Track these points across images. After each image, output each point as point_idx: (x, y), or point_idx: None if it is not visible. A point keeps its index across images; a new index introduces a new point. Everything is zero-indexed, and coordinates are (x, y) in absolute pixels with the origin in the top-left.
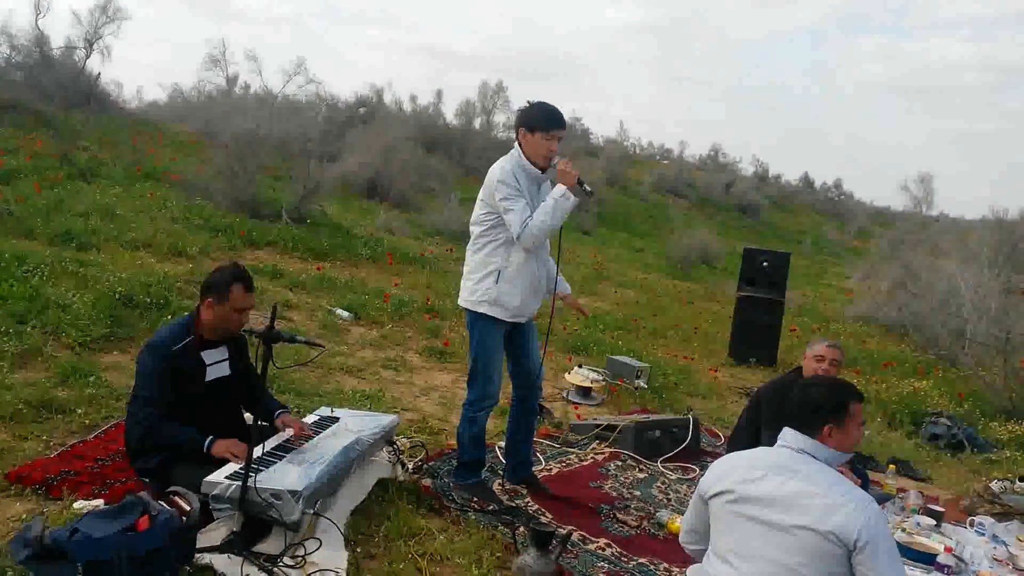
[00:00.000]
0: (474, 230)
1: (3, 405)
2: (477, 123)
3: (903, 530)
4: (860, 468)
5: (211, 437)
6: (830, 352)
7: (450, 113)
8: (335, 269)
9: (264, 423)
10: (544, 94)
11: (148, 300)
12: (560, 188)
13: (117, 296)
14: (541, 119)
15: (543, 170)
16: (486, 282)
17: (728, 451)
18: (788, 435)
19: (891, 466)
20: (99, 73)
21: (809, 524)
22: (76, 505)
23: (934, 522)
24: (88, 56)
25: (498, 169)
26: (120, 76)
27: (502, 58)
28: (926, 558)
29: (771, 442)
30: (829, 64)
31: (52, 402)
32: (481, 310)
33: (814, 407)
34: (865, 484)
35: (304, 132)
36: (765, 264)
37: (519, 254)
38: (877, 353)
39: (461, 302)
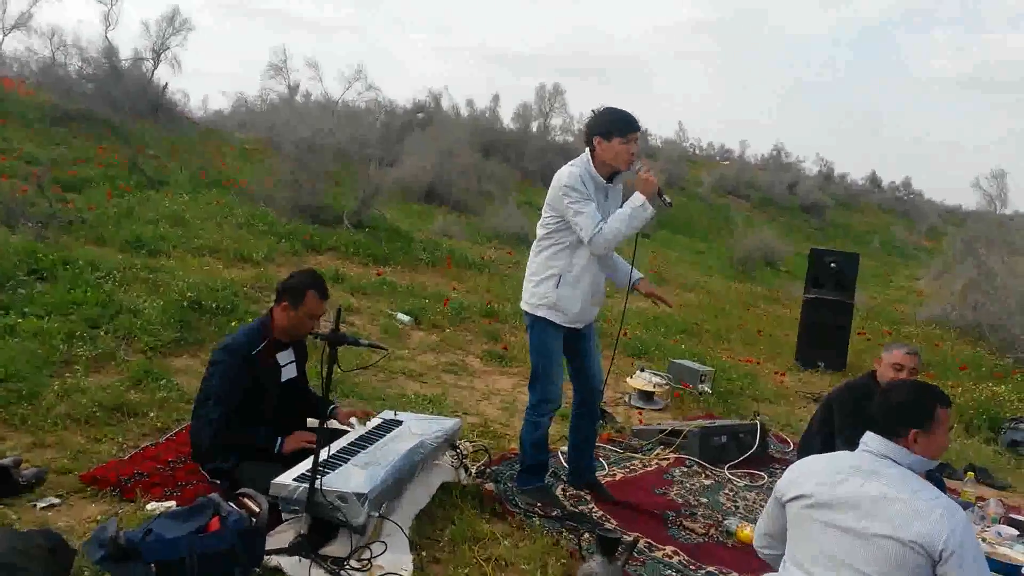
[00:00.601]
0: (539, 233)
1: (78, 408)
2: (534, 126)
3: (984, 540)
4: (936, 475)
5: (280, 438)
6: (909, 360)
7: (507, 117)
8: (395, 274)
9: (323, 422)
10: (602, 95)
11: (215, 305)
12: (639, 197)
13: (186, 302)
14: (618, 124)
15: (612, 176)
16: (546, 285)
17: (799, 457)
18: (870, 439)
19: (969, 473)
20: (166, 83)
21: (891, 533)
22: (149, 507)
23: (1016, 532)
24: (156, 67)
25: (566, 174)
26: (187, 86)
27: (559, 60)
28: (1009, 569)
29: (846, 447)
30: (896, 59)
31: (125, 405)
32: (540, 313)
33: (899, 411)
34: (942, 492)
35: (363, 138)
36: (833, 265)
37: (581, 259)
38: (952, 356)
39: (522, 305)
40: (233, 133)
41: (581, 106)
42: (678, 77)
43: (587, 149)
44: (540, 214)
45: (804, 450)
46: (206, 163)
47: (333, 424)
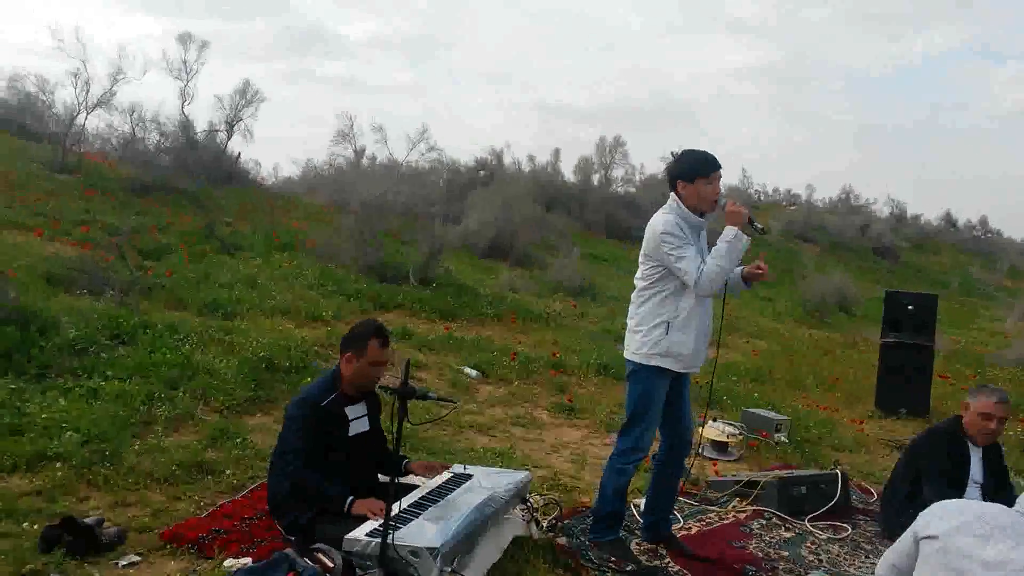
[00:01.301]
0: (638, 284)
1: (158, 467)
2: (595, 179)
3: None
4: None
5: (351, 498)
6: (999, 409)
7: (568, 170)
8: (461, 328)
9: (396, 477)
10: (663, 144)
11: (288, 364)
12: (731, 230)
13: (260, 361)
14: (700, 165)
15: (702, 215)
16: (656, 333)
17: (882, 507)
18: None
19: None
20: (239, 153)
21: None
22: (226, 563)
23: None
24: (229, 137)
25: (660, 221)
26: (258, 154)
27: (618, 110)
28: None
29: (934, 497)
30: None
31: (203, 464)
32: (653, 363)
33: None
34: None
35: (428, 196)
36: (911, 307)
37: (688, 304)
38: None
39: (628, 355)
40: (301, 197)
41: (642, 156)
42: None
43: (672, 194)
44: (607, 264)
45: (888, 500)
46: (276, 226)
47: (409, 479)
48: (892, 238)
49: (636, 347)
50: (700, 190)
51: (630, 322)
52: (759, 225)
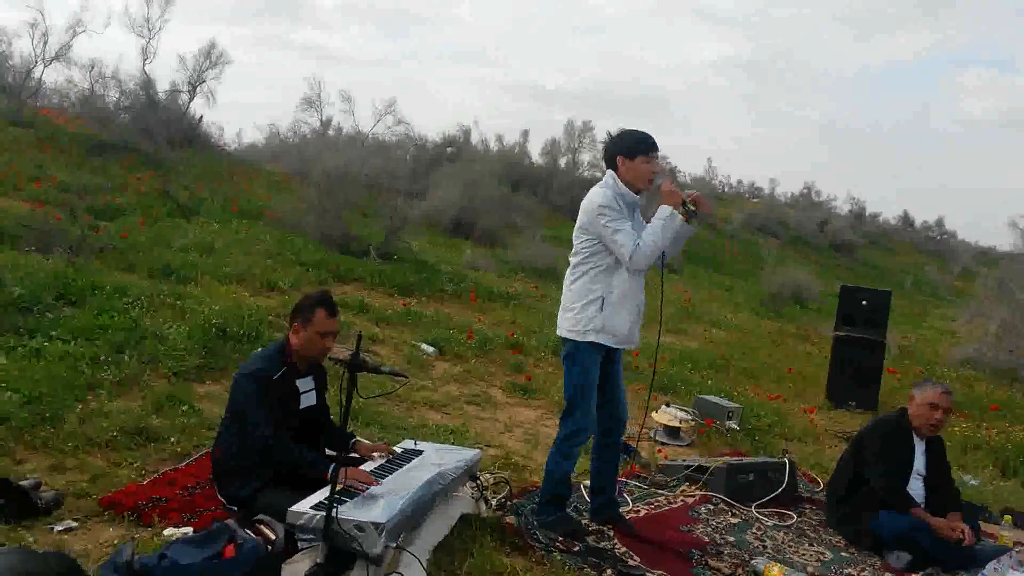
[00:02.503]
0: (573, 260)
1: (100, 432)
2: (563, 162)
3: None
4: (974, 521)
5: (333, 464)
6: (945, 400)
7: (536, 152)
8: (420, 304)
9: (341, 453)
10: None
11: (241, 332)
12: (666, 208)
13: (212, 328)
14: (640, 143)
15: (637, 194)
16: (590, 310)
17: (827, 496)
18: None
19: (1007, 517)
20: (201, 116)
21: None
22: (166, 532)
23: None
24: (191, 99)
25: (599, 195)
26: (222, 119)
27: (588, 94)
28: None
29: (878, 484)
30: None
31: (147, 430)
32: (588, 339)
33: None
34: (977, 535)
35: (392, 170)
36: (864, 303)
37: (621, 280)
38: (985, 397)
39: (563, 333)
40: (264, 164)
41: (609, 134)
42: (707, 114)
43: (609, 171)
44: (571, 247)
45: (833, 488)
46: (237, 193)
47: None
48: (851, 235)
49: (571, 325)
50: (639, 168)
51: (564, 299)
52: (692, 208)
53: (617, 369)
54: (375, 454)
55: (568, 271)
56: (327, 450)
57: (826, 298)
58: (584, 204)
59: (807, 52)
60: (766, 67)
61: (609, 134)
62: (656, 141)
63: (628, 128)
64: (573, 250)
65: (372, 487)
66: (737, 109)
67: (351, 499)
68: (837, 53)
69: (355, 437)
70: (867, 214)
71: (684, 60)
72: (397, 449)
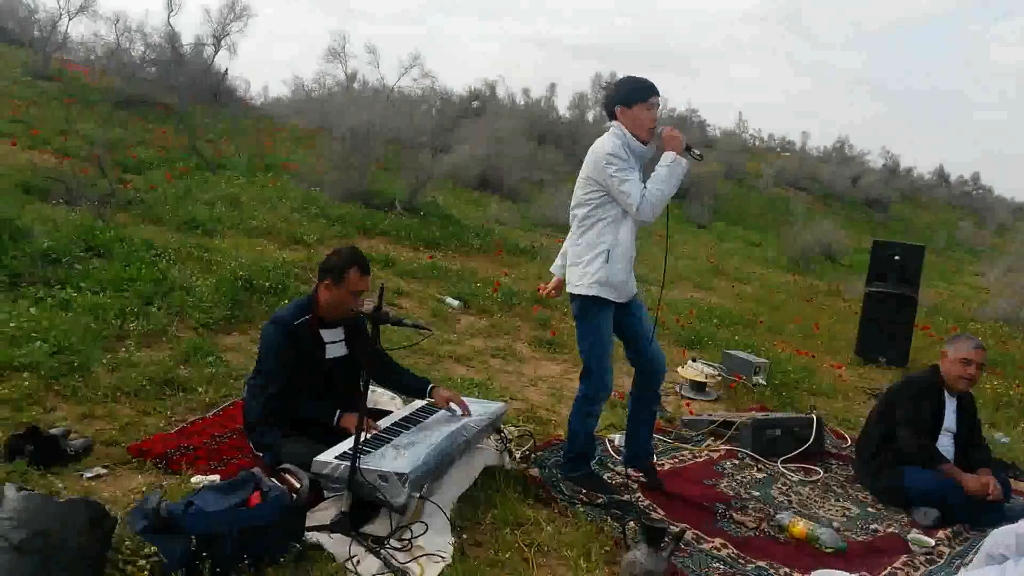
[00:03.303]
0: (578, 212)
1: (128, 381)
2: (590, 116)
3: None
4: (1002, 475)
5: (339, 411)
6: (977, 354)
7: (563, 106)
8: (446, 259)
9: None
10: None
11: (267, 285)
12: (670, 154)
13: (238, 280)
14: (638, 91)
15: (644, 143)
16: (596, 263)
17: (856, 452)
18: None
19: None
20: (226, 69)
21: None
22: (193, 480)
23: None
24: (216, 53)
25: (608, 143)
26: (248, 73)
27: (616, 48)
28: None
29: (908, 441)
30: (968, 51)
31: (174, 380)
32: (592, 292)
33: None
34: (1007, 493)
35: (417, 125)
36: (897, 258)
37: (627, 231)
38: (1020, 354)
39: (571, 289)
40: (288, 119)
41: (607, 84)
42: (738, 66)
43: (615, 122)
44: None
45: (863, 445)
46: (262, 148)
47: (379, 404)
48: (883, 190)
49: (576, 279)
50: (638, 115)
51: (571, 253)
52: (697, 151)
53: (640, 318)
54: (452, 404)
55: (574, 224)
56: (403, 395)
57: (858, 254)
58: (590, 153)
59: (842, 2)
60: (799, 18)
61: (607, 84)
62: (655, 86)
63: (625, 76)
64: (575, 201)
65: (396, 438)
66: (769, 61)
67: (376, 449)
68: (873, 2)
69: (431, 383)
70: (901, 169)
71: (715, 11)
72: (422, 402)
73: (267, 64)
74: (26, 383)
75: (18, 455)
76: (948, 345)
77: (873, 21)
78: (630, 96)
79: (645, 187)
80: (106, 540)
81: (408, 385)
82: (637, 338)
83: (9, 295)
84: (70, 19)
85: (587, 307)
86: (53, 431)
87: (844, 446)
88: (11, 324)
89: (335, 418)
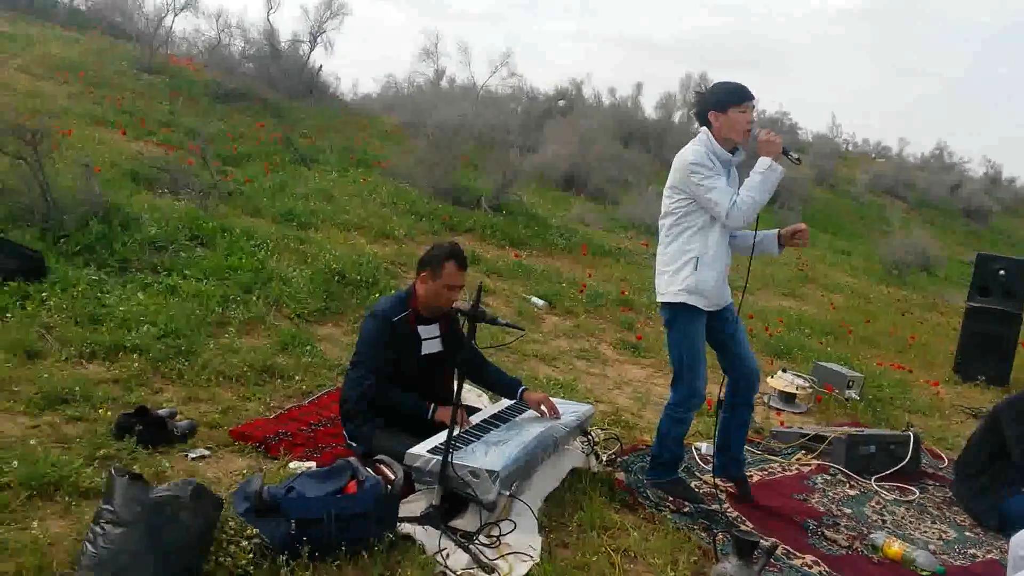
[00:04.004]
0: (666, 222)
1: (231, 367)
2: (677, 117)
3: None
4: None
5: (433, 404)
6: None
7: (649, 106)
8: (531, 258)
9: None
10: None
11: (359, 278)
12: (765, 160)
13: (332, 273)
14: (732, 94)
15: (734, 150)
16: (685, 271)
17: (956, 473)
18: None
19: None
20: (321, 66)
21: None
22: (291, 465)
23: None
24: (312, 49)
25: (691, 152)
26: (340, 70)
27: (704, 48)
28: None
29: (1021, 460)
30: None
31: (273, 368)
32: (681, 300)
33: None
34: None
35: (504, 123)
36: (1002, 272)
37: (716, 239)
38: None
39: (660, 298)
40: (378, 115)
41: (700, 89)
42: (832, 67)
43: (703, 128)
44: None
45: (964, 466)
46: (353, 143)
47: (466, 401)
48: (985, 200)
49: (664, 287)
50: (732, 119)
51: (659, 261)
52: (795, 155)
53: (734, 326)
54: (542, 407)
55: (662, 233)
56: (495, 394)
57: (954, 266)
58: (675, 162)
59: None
60: (895, 16)
61: (699, 90)
62: (749, 90)
63: (717, 81)
64: (663, 211)
65: (487, 435)
66: (864, 61)
67: (467, 445)
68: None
69: (523, 386)
70: (1003, 178)
71: (806, 9)
72: (511, 401)
73: (357, 61)
74: (135, 364)
75: (127, 433)
76: None
77: (975, 17)
78: (725, 100)
79: (737, 193)
80: (213, 519)
81: (500, 384)
82: (731, 346)
83: (119, 280)
84: (175, 15)
85: (676, 315)
86: (160, 412)
87: (941, 466)
88: (121, 308)
89: (429, 411)
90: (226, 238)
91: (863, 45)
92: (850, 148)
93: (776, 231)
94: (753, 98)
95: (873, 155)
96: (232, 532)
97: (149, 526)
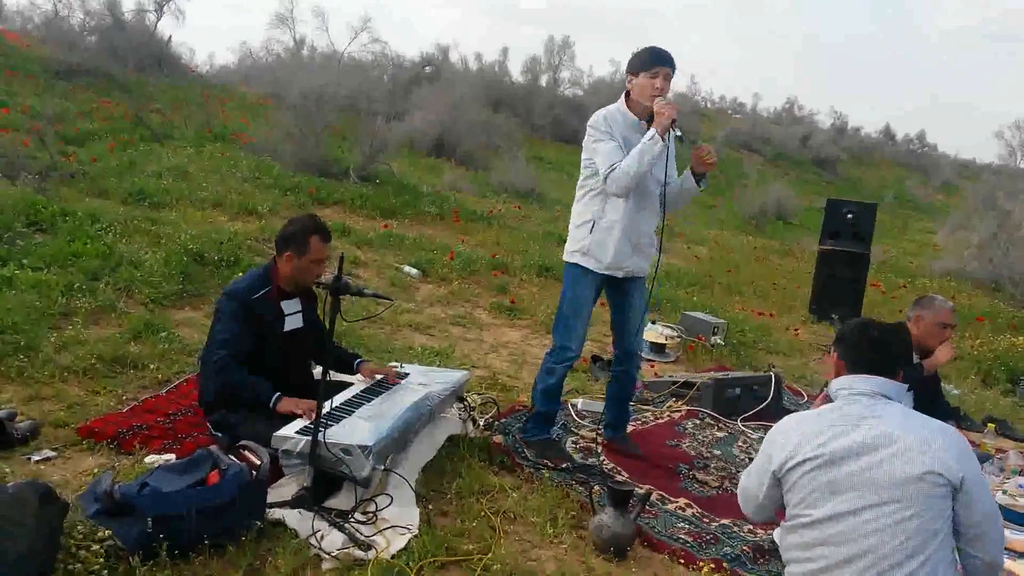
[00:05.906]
0: (578, 182)
1: (77, 360)
2: (543, 80)
3: (1004, 492)
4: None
5: (278, 394)
6: (954, 317)
7: (516, 71)
8: (402, 227)
9: (344, 374)
10: (612, 48)
11: (219, 258)
12: (650, 131)
13: (188, 254)
14: (643, 59)
15: (650, 117)
16: (581, 231)
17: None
18: (863, 382)
19: (990, 425)
20: (170, 36)
21: (912, 471)
22: (147, 459)
23: None
24: (159, 19)
25: (595, 115)
26: (192, 41)
27: (569, 11)
28: None
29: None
30: (913, 11)
31: (125, 357)
32: (574, 260)
33: (894, 352)
34: None
35: (370, 91)
36: (850, 216)
37: (615, 205)
38: (969, 308)
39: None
40: (237, 87)
41: (590, 59)
42: (690, 29)
43: (624, 93)
44: (554, 167)
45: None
46: (210, 117)
47: (341, 378)
48: (833, 149)
49: (568, 245)
50: (641, 84)
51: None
52: (678, 132)
53: (630, 299)
54: (377, 376)
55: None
56: (333, 372)
57: (808, 214)
58: None
59: None
60: None
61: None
62: (665, 55)
63: (645, 46)
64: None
65: (358, 410)
66: (720, 24)
67: (337, 423)
68: None
69: (360, 358)
70: (849, 128)
71: None
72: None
73: (210, 31)
74: None
75: None
76: (921, 309)
77: None
78: (637, 64)
79: (620, 159)
80: (58, 525)
81: (340, 361)
82: (619, 313)
83: None
84: None
85: (568, 271)
86: None
87: (801, 403)
88: None
89: (272, 401)
90: (68, 222)
91: (720, 9)
92: (708, 105)
93: (687, 169)
94: (666, 64)
95: (730, 111)
96: (81, 536)
97: None
